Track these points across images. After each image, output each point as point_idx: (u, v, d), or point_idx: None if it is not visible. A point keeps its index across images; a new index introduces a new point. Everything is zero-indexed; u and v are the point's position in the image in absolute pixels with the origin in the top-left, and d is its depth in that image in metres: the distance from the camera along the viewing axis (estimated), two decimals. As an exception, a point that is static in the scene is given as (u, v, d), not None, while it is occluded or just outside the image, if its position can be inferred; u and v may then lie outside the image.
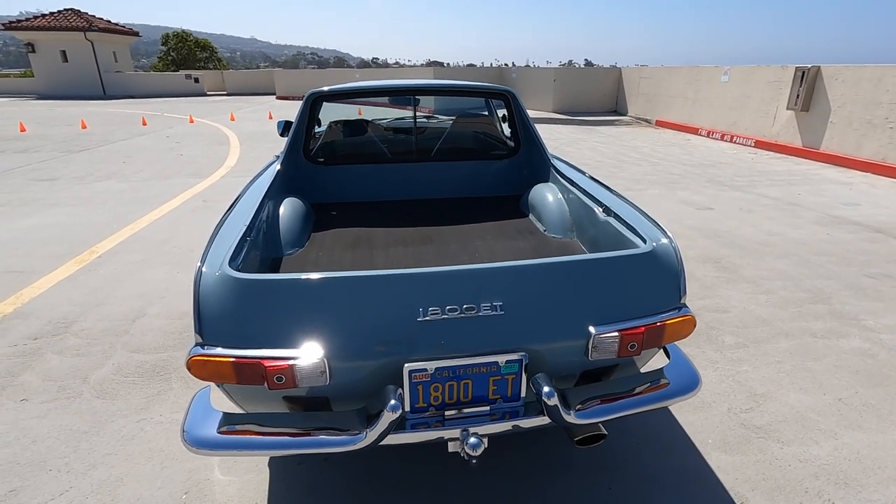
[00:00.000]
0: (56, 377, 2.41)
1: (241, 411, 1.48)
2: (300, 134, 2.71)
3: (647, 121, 13.54)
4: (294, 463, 1.90)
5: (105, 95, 26.07)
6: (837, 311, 3.11)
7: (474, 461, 1.29)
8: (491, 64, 22.08)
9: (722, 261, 3.91)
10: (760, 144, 9.44)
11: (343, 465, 1.89)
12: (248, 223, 1.69)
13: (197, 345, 1.28)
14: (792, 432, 2.08)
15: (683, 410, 2.20)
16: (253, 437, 1.28)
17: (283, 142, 2.96)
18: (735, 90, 10.42)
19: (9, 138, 10.40)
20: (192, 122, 13.64)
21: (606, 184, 2.25)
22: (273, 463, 1.90)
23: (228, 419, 1.33)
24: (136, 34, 30.32)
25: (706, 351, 2.68)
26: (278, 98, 23.41)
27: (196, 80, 27.11)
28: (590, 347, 1.36)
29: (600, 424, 1.46)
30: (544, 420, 1.36)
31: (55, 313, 3.02)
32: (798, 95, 8.63)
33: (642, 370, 1.67)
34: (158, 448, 1.98)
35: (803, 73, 8.48)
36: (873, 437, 2.05)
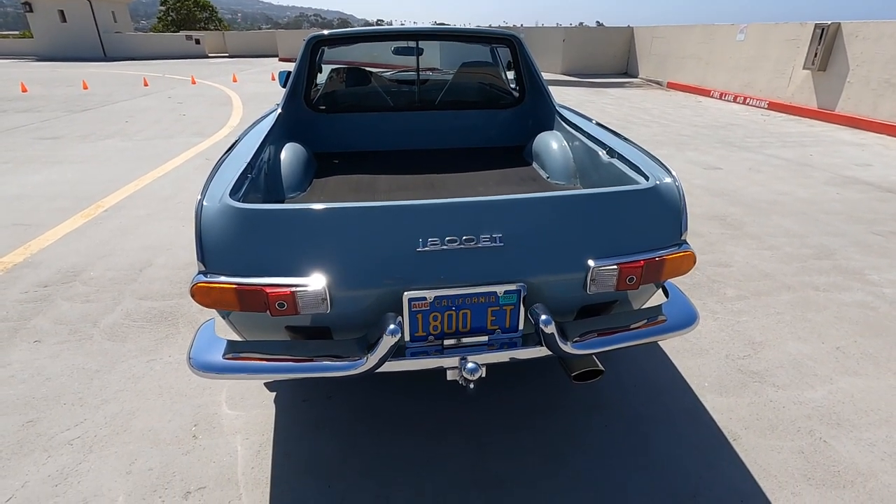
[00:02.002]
0: (67, 321, 2.47)
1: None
2: (301, 79, 2.67)
3: (658, 82, 13.18)
4: (299, 399, 1.96)
5: (105, 57, 25.64)
6: (842, 266, 3.10)
7: (472, 386, 1.32)
8: (499, 26, 21.37)
9: (727, 218, 3.87)
10: (774, 106, 9.20)
11: (345, 403, 1.94)
12: (248, 162, 1.69)
13: (200, 273, 1.30)
14: (788, 377, 2.11)
15: (681, 356, 2.24)
16: (256, 362, 1.32)
17: None
18: (750, 49, 10.08)
19: (11, 98, 10.32)
20: (194, 83, 13.44)
21: (613, 129, 2.21)
22: (278, 399, 1.96)
23: (232, 346, 1.36)
24: (134, -7, 29.52)
25: (707, 302, 2.69)
26: (281, 60, 22.93)
27: (197, 42, 26.56)
28: (588, 280, 1.37)
29: (597, 359, 1.49)
30: (542, 351, 1.39)
31: (64, 263, 3.06)
32: (816, 54, 8.33)
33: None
34: (168, 385, 2.04)
35: (823, 30, 8.17)
36: (869, 383, 2.08)
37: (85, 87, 12.13)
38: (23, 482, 1.60)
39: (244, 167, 1.61)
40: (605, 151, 1.95)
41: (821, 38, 8.21)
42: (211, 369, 1.31)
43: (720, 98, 10.60)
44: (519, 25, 20.53)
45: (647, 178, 1.60)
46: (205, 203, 1.36)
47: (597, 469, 1.66)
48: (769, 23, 9.72)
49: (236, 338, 1.51)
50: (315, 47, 2.69)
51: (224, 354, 1.34)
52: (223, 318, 1.45)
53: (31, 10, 25.61)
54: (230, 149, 1.86)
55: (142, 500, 1.54)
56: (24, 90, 11.50)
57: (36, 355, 2.22)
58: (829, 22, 8.09)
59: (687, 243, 1.49)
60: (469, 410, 1.90)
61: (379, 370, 1.31)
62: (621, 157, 1.82)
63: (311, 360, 1.31)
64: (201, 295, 1.27)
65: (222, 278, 1.27)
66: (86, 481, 1.60)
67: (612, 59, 15.41)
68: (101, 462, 1.67)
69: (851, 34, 7.88)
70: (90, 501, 1.54)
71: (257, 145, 1.88)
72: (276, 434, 1.80)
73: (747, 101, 9.84)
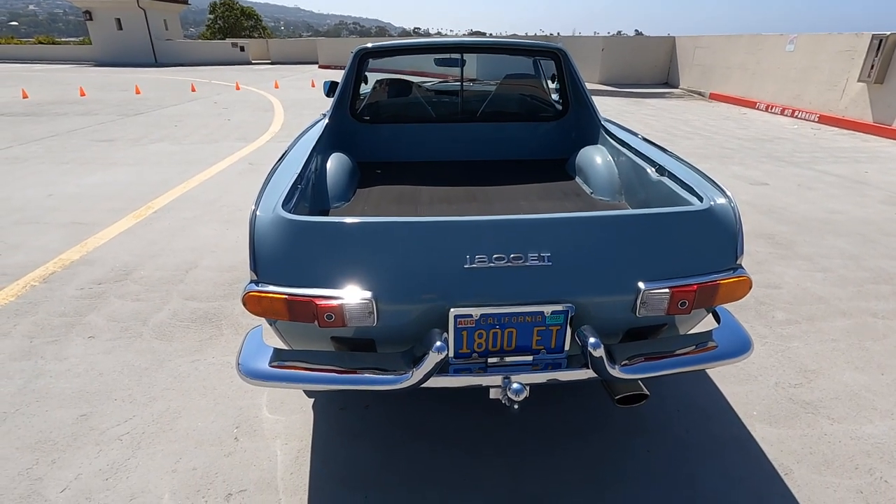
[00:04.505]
0: (119, 319, 2.58)
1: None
2: (347, 91, 2.72)
3: (700, 93, 12.85)
4: (336, 408, 1.98)
5: (156, 63, 26.89)
6: (902, 292, 2.93)
7: (516, 406, 1.30)
8: (535, 34, 21.32)
9: (776, 237, 3.72)
10: (825, 119, 8.81)
11: (383, 412, 1.95)
12: (298, 172, 1.73)
13: (252, 282, 1.33)
14: (844, 409, 2.00)
15: (728, 382, 2.15)
16: (302, 371, 1.34)
17: (326, 105, 2.99)
18: (801, 60, 9.71)
19: (71, 102, 10.94)
20: (238, 89, 13.92)
21: (661, 145, 2.16)
22: (317, 406, 1.99)
23: (279, 355, 1.39)
24: (185, 2, 30.91)
25: (755, 325, 2.58)
26: (321, 67, 23.50)
27: (242, 49, 27.53)
28: (638, 303, 1.33)
29: (642, 384, 1.44)
30: (587, 373, 1.36)
31: (117, 262, 3.21)
32: (872, 66, 7.95)
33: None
34: (212, 386, 2.10)
35: (881, 41, 7.79)
36: (935, 420, 1.94)
37: (137, 92, 12.74)
38: (76, 474, 1.67)
39: (295, 178, 1.65)
40: (654, 169, 1.91)
41: (878, 49, 7.83)
42: (258, 376, 1.33)
43: (766, 110, 10.24)
44: (556, 34, 20.41)
45: (700, 198, 1.55)
46: (259, 214, 1.39)
47: (638, 496, 1.61)
48: (821, 33, 9.34)
49: (282, 345, 1.54)
50: (362, 59, 2.74)
51: (271, 362, 1.36)
52: (270, 325, 1.48)
53: (90, 19, 27.19)
54: (281, 158, 1.91)
55: (186, 499, 1.59)
56: (83, 94, 12.16)
57: (90, 350, 2.32)
58: (888, 33, 7.71)
59: (742, 268, 1.44)
60: (507, 427, 1.88)
61: (422, 386, 1.31)
62: (672, 176, 1.78)
63: (356, 373, 1.32)
64: (253, 303, 1.31)
65: (273, 288, 1.30)
66: (134, 477, 1.66)
67: (653, 69, 15.11)
68: (148, 459, 1.73)
69: (913, 45, 7.48)
70: (138, 497, 1.59)
71: (306, 155, 1.93)
72: (314, 441, 1.83)
73: (796, 113, 9.46)
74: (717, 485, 1.65)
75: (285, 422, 1.91)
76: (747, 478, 1.68)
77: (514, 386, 1.28)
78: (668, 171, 1.81)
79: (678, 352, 1.42)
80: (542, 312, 1.31)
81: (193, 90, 13.44)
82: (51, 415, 1.93)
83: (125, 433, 1.84)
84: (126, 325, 2.52)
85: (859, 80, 8.28)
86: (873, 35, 7.97)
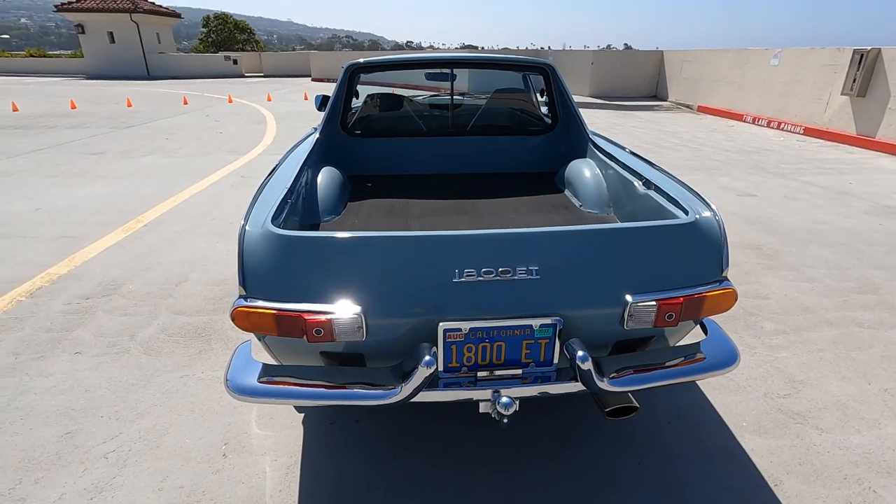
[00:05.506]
0: (106, 334, 2.55)
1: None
2: (338, 105, 2.74)
3: (688, 106, 13.05)
4: (326, 423, 1.97)
5: (149, 76, 26.89)
6: (887, 301, 2.97)
7: (505, 420, 1.31)
8: (527, 48, 21.61)
9: (763, 247, 3.77)
10: (810, 132, 8.98)
11: (373, 427, 1.94)
12: (288, 187, 1.73)
13: (241, 297, 1.33)
14: (832, 420, 2.01)
15: (717, 392, 2.16)
16: (291, 387, 1.33)
17: (318, 119, 3.01)
18: (785, 74, 9.91)
19: (61, 115, 10.89)
20: (230, 102, 13.95)
21: (648, 159, 2.19)
22: (307, 421, 1.97)
23: (268, 370, 1.38)
24: (178, 16, 31.05)
25: (743, 336, 2.60)
26: (313, 80, 23.63)
27: (234, 62, 27.63)
28: (626, 316, 1.34)
29: (632, 396, 1.45)
30: (576, 386, 1.36)
31: (105, 276, 3.18)
32: (854, 80, 8.14)
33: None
34: (200, 402, 2.08)
35: (862, 55, 7.98)
36: (921, 429, 1.96)
37: (129, 105, 12.72)
38: (60, 494, 1.64)
39: (285, 192, 1.66)
40: (641, 182, 1.94)
41: (860, 63, 8.02)
42: (247, 392, 1.32)
43: (753, 123, 10.42)
44: (546, 48, 20.71)
45: (686, 211, 1.58)
46: (248, 228, 1.40)
47: (630, 509, 1.61)
48: (804, 48, 9.56)
49: (271, 360, 1.53)
50: (353, 74, 2.77)
51: (259, 378, 1.36)
52: (259, 340, 1.47)
53: (83, 32, 27.19)
54: (271, 172, 1.91)
55: (172, 518, 1.56)
56: (74, 107, 12.12)
57: (76, 366, 2.29)
58: (869, 48, 7.91)
59: (728, 280, 1.46)
60: (498, 440, 1.87)
61: (411, 400, 1.31)
62: (658, 189, 1.80)
63: (345, 388, 1.32)
64: (241, 319, 1.30)
65: (262, 303, 1.30)
66: (119, 496, 1.63)
67: (641, 82, 15.35)
68: (134, 477, 1.71)
69: (893, 59, 7.67)
70: (123, 517, 1.56)
71: (297, 169, 1.94)
72: (304, 456, 1.81)
73: (781, 126, 9.64)
74: (707, 494, 1.65)
75: (275, 437, 1.89)
76: (737, 489, 1.68)
77: (504, 400, 1.28)
78: (655, 185, 1.83)
79: (666, 364, 1.43)
80: (531, 326, 1.32)
81: (186, 103, 13.44)
82: (35, 433, 1.89)
83: (111, 451, 1.81)
84: (113, 340, 2.50)
85: (842, 94, 8.46)
86: (854, 50, 8.17)
